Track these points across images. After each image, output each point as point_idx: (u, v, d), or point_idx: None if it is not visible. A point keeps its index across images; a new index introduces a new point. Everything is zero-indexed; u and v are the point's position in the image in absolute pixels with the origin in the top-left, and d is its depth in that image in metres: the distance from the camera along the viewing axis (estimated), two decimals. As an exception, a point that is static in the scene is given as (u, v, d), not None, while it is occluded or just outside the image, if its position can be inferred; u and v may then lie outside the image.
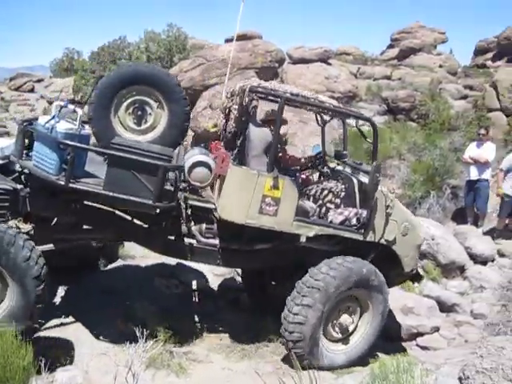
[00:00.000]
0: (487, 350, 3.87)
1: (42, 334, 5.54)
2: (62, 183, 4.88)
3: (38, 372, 4.37)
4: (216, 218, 5.76)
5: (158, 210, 5.30)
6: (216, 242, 5.81)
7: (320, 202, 6.27)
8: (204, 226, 5.86)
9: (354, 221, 5.77)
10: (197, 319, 6.53)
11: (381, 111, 19.20)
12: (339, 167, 6.71)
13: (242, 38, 21.28)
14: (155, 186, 4.98)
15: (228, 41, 21.87)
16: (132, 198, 5.01)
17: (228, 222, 5.47)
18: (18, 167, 5.57)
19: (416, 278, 6.89)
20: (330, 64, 21.42)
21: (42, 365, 4.48)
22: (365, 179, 5.98)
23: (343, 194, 6.22)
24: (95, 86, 6.04)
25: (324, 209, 6.20)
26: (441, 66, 24.72)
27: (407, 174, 12.31)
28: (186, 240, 5.84)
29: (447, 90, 20.71)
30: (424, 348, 6.61)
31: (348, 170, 6.53)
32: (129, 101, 6.06)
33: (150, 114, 6.12)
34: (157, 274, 7.33)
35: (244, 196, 5.35)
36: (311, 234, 5.59)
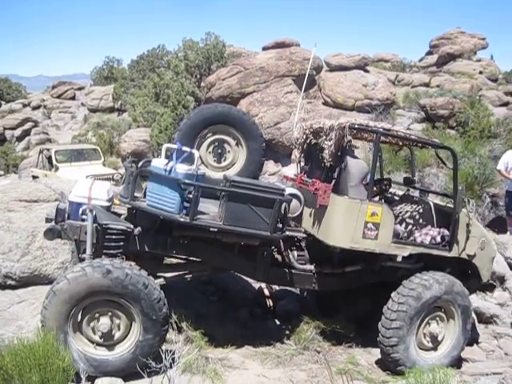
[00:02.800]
0: (526, 362, 3.79)
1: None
2: (187, 220, 5.06)
3: (77, 374, 4.47)
4: (306, 245, 6.32)
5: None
6: (311, 267, 6.23)
7: (404, 223, 6.68)
8: (296, 253, 6.28)
9: (438, 239, 6.22)
10: (232, 326, 6.56)
11: (419, 118, 19.00)
12: (408, 192, 7.23)
13: (280, 45, 21.40)
14: (271, 218, 5.25)
15: (265, 48, 21.99)
16: (251, 231, 5.28)
17: (331, 247, 5.82)
18: (116, 209, 5.87)
19: (489, 287, 7.60)
20: (367, 71, 21.33)
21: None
22: (437, 201, 6.72)
23: (420, 215, 6.69)
24: (178, 128, 6.40)
25: (408, 229, 6.60)
26: (481, 73, 24.34)
27: (446, 183, 12.14)
28: (284, 267, 6.19)
29: (487, 97, 20.38)
30: (462, 360, 6.50)
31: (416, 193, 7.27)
32: (209, 140, 6.48)
33: (229, 151, 6.57)
34: (193, 281, 7.39)
35: (349, 223, 5.66)
36: (406, 254, 5.96)
